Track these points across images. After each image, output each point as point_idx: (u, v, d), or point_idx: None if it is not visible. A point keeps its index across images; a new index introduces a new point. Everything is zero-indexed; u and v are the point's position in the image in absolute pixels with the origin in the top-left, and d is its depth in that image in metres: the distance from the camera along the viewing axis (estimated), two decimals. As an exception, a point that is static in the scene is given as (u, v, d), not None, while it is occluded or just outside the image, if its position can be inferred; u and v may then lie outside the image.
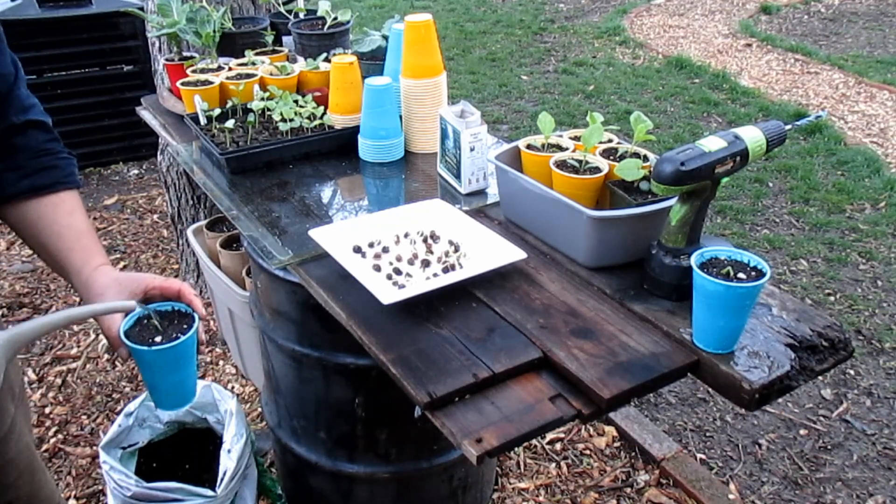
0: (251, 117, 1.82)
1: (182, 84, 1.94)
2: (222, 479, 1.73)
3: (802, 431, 2.35)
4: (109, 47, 3.89)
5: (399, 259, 1.33)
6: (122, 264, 3.20)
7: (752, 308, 1.05)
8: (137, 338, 1.02)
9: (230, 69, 2.04)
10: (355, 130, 1.78)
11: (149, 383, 1.07)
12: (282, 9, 2.42)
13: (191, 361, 1.06)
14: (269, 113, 1.86)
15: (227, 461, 1.75)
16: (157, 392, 1.07)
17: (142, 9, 2.73)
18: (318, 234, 1.35)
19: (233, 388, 2.51)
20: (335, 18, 2.24)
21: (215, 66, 2.07)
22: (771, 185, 3.86)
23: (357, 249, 1.33)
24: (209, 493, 1.70)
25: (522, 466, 2.20)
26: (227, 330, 2.44)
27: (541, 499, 2.10)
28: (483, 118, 1.59)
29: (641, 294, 1.22)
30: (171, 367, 1.03)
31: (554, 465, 2.21)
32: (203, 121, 1.83)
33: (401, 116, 1.80)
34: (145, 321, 1.04)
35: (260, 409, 2.30)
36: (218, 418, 1.95)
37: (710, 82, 5.29)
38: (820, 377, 2.15)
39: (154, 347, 1.00)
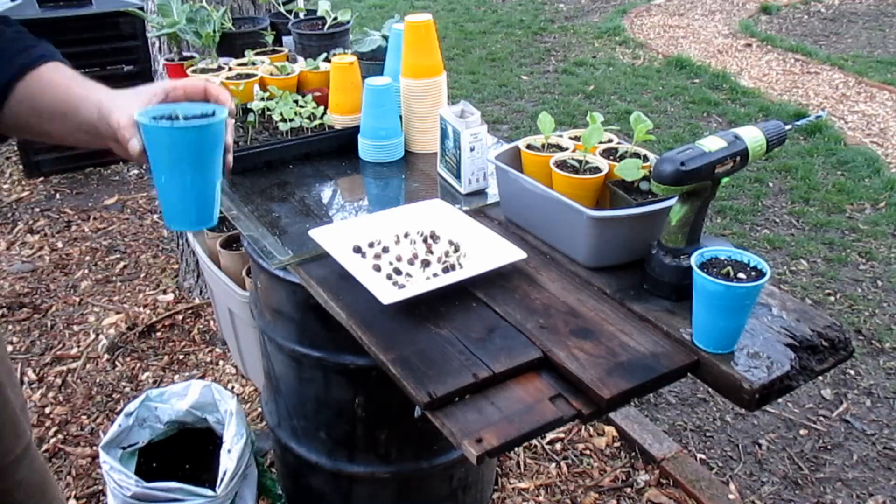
0: (251, 117, 1.82)
1: (182, 84, 1.94)
2: (222, 479, 1.73)
3: (802, 431, 2.35)
4: (109, 47, 3.89)
5: (399, 259, 1.33)
6: (121, 264, 3.20)
7: (752, 308, 1.05)
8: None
9: (230, 69, 2.04)
10: (355, 130, 1.78)
11: (163, 187, 0.91)
12: (282, 9, 2.42)
13: (214, 162, 0.91)
14: (269, 113, 1.86)
15: (228, 461, 1.75)
16: (171, 199, 0.91)
17: (142, 9, 2.73)
18: (318, 234, 1.35)
19: (233, 388, 2.50)
20: (335, 18, 2.24)
21: (215, 66, 2.07)
22: (771, 185, 3.86)
23: (357, 249, 1.33)
24: (209, 493, 1.70)
25: (522, 466, 2.20)
26: (227, 330, 2.44)
27: (541, 499, 2.10)
28: (483, 118, 1.59)
29: (641, 294, 1.22)
30: (192, 161, 0.88)
31: (554, 465, 2.21)
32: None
33: (401, 116, 1.80)
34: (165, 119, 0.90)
35: (260, 409, 2.30)
36: (218, 418, 1.95)
37: (710, 82, 5.29)
38: (820, 377, 2.15)
39: (176, 125, 0.87)
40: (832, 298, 2.98)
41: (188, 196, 0.92)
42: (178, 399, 1.94)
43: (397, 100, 1.78)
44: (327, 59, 2.03)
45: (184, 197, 0.92)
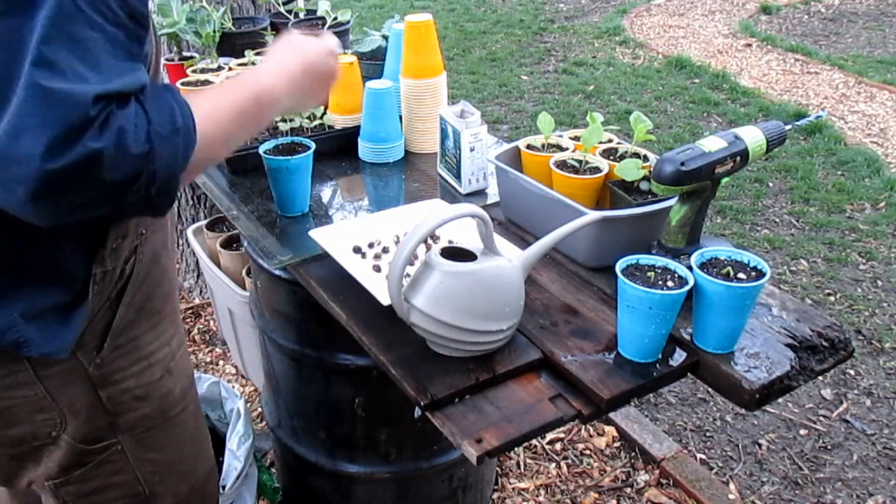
0: (251, 117, 1.82)
1: (182, 84, 1.94)
2: (229, 479, 1.72)
3: (802, 431, 2.35)
4: (109, 47, 3.88)
5: (399, 259, 1.33)
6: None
7: (752, 308, 1.05)
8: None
9: (230, 69, 2.04)
10: (355, 130, 1.78)
11: (287, 189, 1.50)
12: (282, 9, 2.42)
13: (306, 177, 1.51)
14: (269, 113, 1.85)
15: (235, 462, 1.75)
16: (291, 197, 1.51)
17: (142, 9, 2.72)
18: (318, 235, 1.35)
19: (233, 388, 2.50)
20: (335, 18, 2.24)
21: (215, 66, 2.07)
22: (771, 185, 3.86)
23: (357, 250, 1.33)
24: (213, 492, 1.69)
25: (522, 466, 2.20)
26: (227, 330, 2.44)
27: (541, 499, 2.10)
28: (483, 118, 1.59)
29: (641, 294, 1.22)
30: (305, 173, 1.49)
31: (554, 465, 2.21)
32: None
33: (401, 117, 1.80)
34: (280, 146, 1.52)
35: (260, 409, 2.30)
36: (220, 416, 1.94)
37: (710, 82, 5.29)
38: (820, 377, 2.15)
39: (293, 159, 1.46)
40: (832, 298, 2.98)
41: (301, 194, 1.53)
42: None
43: (397, 103, 1.78)
44: (327, 59, 2.03)
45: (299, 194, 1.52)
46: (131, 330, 1.10)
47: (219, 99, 0.94)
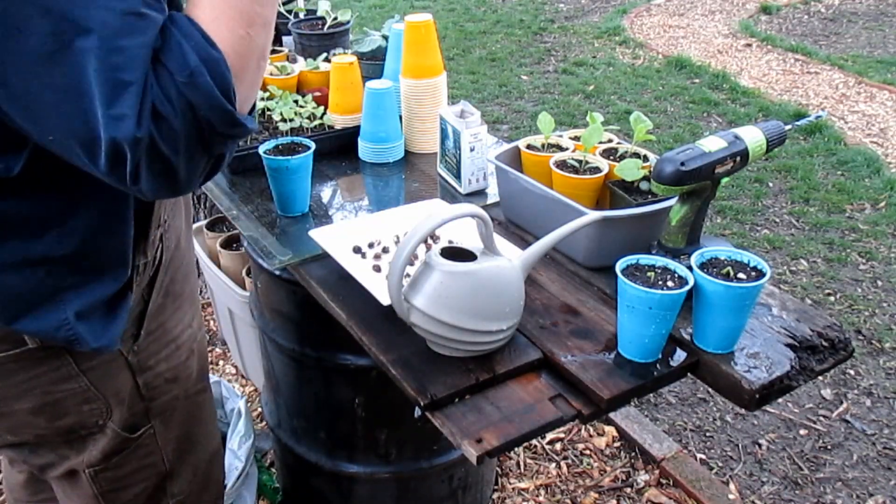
0: (251, 117, 1.82)
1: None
2: (230, 479, 1.72)
3: (802, 431, 2.35)
4: (109, 47, 3.88)
5: (399, 259, 1.33)
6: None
7: (752, 308, 1.05)
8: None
9: (230, 69, 2.04)
10: (355, 130, 1.78)
11: (286, 190, 1.50)
12: (282, 9, 2.42)
13: (306, 177, 1.51)
14: (269, 113, 1.85)
15: (236, 461, 1.75)
16: (291, 197, 1.51)
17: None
18: (318, 235, 1.35)
19: (233, 388, 2.50)
20: (335, 18, 2.24)
21: (215, 66, 2.06)
22: (771, 185, 3.86)
23: (357, 250, 1.33)
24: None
25: (522, 466, 2.20)
26: (227, 330, 2.44)
27: (541, 499, 2.10)
28: (483, 118, 1.59)
29: (641, 294, 1.22)
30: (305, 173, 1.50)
31: (554, 465, 2.21)
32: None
33: (401, 117, 1.80)
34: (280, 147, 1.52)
35: (260, 409, 2.30)
36: (221, 415, 1.95)
37: (710, 82, 5.28)
38: (820, 377, 2.15)
39: (293, 158, 1.46)
40: (832, 298, 2.98)
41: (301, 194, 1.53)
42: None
43: (397, 103, 1.78)
44: (327, 59, 2.03)
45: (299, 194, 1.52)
46: (160, 315, 1.14)
47: (213, 8, 0.80)
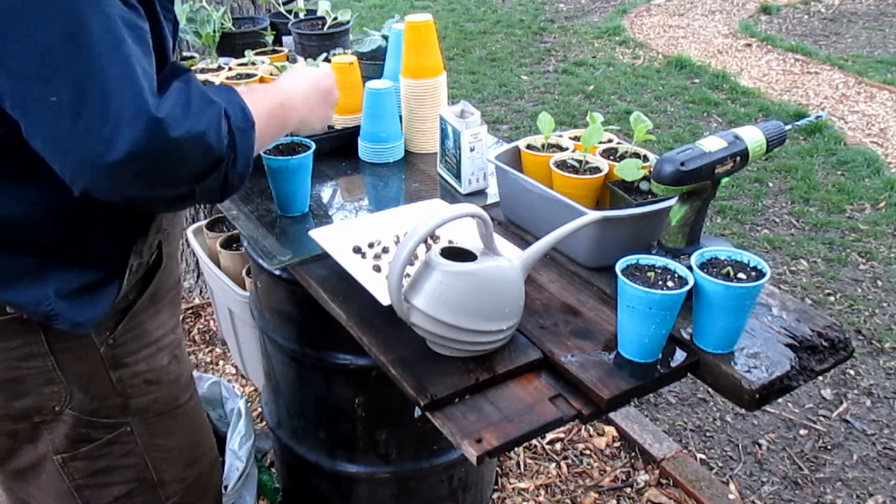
0: (251, 117, 1.82)
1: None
2: (231, 479, 1.72)
3: (802, 431, 2.35)
4: (109, 47, 3.87)
5: (399, 259, 1.33)
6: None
7: (752, 308, 1.05)
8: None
9: (230, 69, 2.04)
10: (355, 130, 1.78)
11: (287, 190, 1.50)
12: (282, 9, 2.42)
13: (306, 177, 1.51)
14: (269, 113, 1.85)
15: (237, 461, 1.75)
16: (290, 197, 1.51)
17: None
18: (318, 235, 1.35)
19: (233, 388, 2.50)
20: (335, 18, 2.24)
21: (215, 66, 2.07)
22: (771, 185, 3.86)
23: (357, 250, 1.33)
24: (216, 490, 1.69)
25: (522, 466, 2.20)
26: (227, 330, 2.44)
27: (541, 499, 2.10)
28: (483, 118, 1.59)
29: (641, 294, 1.22)
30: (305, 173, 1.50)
31: (554, 465, 2.21)
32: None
33: (401, 117, 1.80)
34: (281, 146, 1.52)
35: (260, 409, 2.30)
36: (221, 415, 1.94)
37: (710, 82, 5.29)
38: (820, 377, 2.15)
39: (293, 158, 1.46)
40: (832, 298, 2.98)
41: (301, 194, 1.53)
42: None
43: (397, 103, 1.78)
44: (327, 59, 2.03)
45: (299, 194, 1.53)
46: (140, 315, 1.16)
47: (252, 101, 1.01)
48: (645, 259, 1.08)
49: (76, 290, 1.01)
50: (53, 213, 0.97)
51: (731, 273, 1.03)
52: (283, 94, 1.16)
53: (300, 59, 2.15)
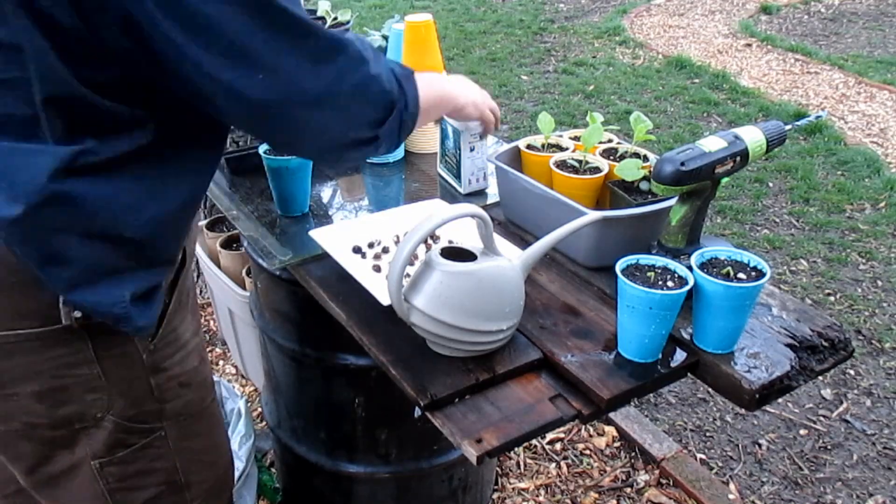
0: (251, 117, 1.82)
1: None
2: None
3: (802, 431, 2.35)
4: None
5: (399, 259, 1.33)
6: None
7: (752, 308, 1.05)
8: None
9: (230, 69, 2.04)
10: (355, 130, 1.78)
11: (288, 191, 1.51)
12: (282, 9, 2.42)
13: (306, 177, 1.51)
14: (269, 113, 1.85)
15: (237, 462, 1.75)
16: (293, 197, 1.52)
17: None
18: (318, 235, 1.35)
19: (233, 387, 2.50)
20: (335, 18, 2.24)
21: (215, 66, 2.06)
22: (771, 185, 3.86)
23: (357, 250, 1.33)
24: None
25: (522, 466, 2.20)
26: (227, 330, 2.44)
27: (541, 499, 2.10)
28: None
29: (641, 294, 1.22)
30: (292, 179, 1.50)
31: (554, 465, 2.21)
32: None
33: (401, 116, 1.80)
34: None
35: (260, 409, 2.30)
36: (220, 416, 1.95)
37: (710, 82, 5.29)
38: (820, 377, 2.15)
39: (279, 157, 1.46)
40: (832, 298, 2.98)
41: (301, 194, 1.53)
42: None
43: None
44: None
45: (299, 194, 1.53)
46: (174, 318, 1.16)
47: (421, 81, 1.09)
48: (645, 259, 1.08)
49: (144, 293, 1.02)
50: (148, 209, 0.98)
51: (731, 273, 1.03)
52: (448, 90, 1.25)
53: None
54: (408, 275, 1.29)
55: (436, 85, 1.20)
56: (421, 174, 1.73)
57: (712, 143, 1.12)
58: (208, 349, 2.69)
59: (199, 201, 1.08)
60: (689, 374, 1.10)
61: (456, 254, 1.08)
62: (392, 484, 1.75)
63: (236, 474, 1.72)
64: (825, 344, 1.11)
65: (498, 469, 2.16)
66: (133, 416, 1.13)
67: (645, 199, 1.25)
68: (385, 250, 1.34)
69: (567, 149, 1.42)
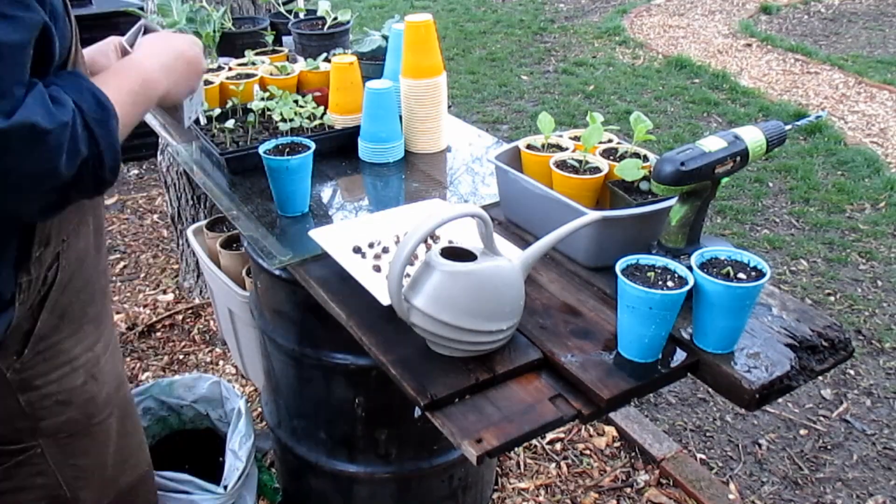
0: (251, 117, 1.82)
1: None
2: (231, 479, 1.72)
3: (802, 431, 2.35)
4: (109, 47, 3.87)
5: (399, 259, 1.33)
6: (121, 264, 3.20)
7: (752, 308, 1.05)
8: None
9: (230, 69, 2.04)
10: (355, 130, 1.78)
11: (288, 190, 1.51)
12: (282, 9, 2.42)
13: (306, 177, 1.51)
14: (269, 113, 1.86)
15: (237, 462, 1.75)
16: (290, 197, 1.51)
17: (142, 9, 2.73)
18: (318, 235, 1.35)
19: (233, 387, 2.50)
20: (335, 18, 2.24)
21: (215, 66, 2.07)
22: (771, 185, 3.86)
23: (357, 250, 1.33)
24: (219, 489, 1.69)
25: (522, 466, 2.20)
26: (227, 330, 2.44)
27: (541, 499, 2.10)
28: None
29: (641, 294, 1.22)
30: (291, 178, 1.49)
31: (554, 465, 2.21)
32: (203, 121, 1.83)
33: (401, 117, 1.80)
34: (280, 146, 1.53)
35: (260, 409, 2.30)
36: (220, 415, 1.95)
37: (710, 82, 5.29)
38: (820, 377, 2.15)
39: (293, 158, 1.46)
40: (832, 298, 2.98)
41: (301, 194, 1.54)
42: (184, 390, 1.95)
43: (397, 103, 1.78)
44: (327, 59, 2.03)
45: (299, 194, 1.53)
46: (53, 335, 1.10)
47: (113, 84, 1.00)
48: (645, 259, 1.08)
49: None
50: None
51: (731, 273, 1.03)
52: (144, 70, 1.10)
53: (300, 59, 2.15)
54: (408, 275, 1.29)
55: (132, 96, 1.05)
56: (421, 174, 1.73)
57: (712, 143, 1.12)
58: (208, 349, 2.69)
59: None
60: (689, 374, 1.10)
61: (456, 254, 1.08)
62: (392, 484, 1.75)
63: (236, 474, 1.72)
64: (825, 344, 1.11)
65: (498, 469, 2.16)
66: (3, 436, 1.09)
67: (645, 199, 1.25)
68: (385, 250, 1.34)
69: (567, 149, 1.42)
